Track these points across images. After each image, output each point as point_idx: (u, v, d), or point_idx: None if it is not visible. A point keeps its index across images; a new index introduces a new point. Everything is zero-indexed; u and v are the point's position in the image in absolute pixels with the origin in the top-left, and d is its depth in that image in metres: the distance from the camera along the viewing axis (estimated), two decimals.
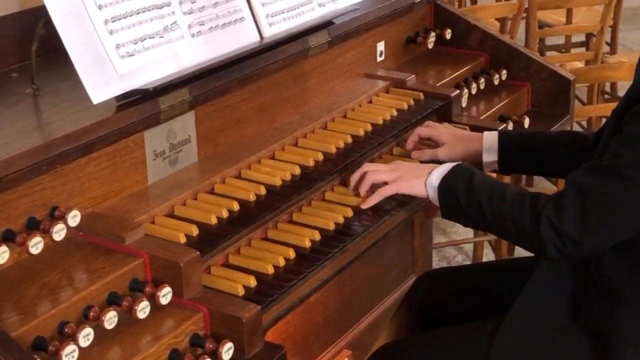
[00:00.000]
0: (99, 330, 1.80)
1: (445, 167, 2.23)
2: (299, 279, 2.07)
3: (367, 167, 2.34)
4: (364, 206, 2.30)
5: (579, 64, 5.10)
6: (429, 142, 2.60)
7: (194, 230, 2.09)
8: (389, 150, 2.63)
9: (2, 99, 2.24)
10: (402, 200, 2.36)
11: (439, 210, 2.26)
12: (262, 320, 1.94)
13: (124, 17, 2.16)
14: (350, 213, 2.30)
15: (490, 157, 2.50)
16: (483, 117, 2.96)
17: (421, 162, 2.48)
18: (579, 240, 2.01)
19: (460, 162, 2.27)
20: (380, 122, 2.66)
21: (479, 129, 2.74)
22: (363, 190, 2.31)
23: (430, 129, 2.60)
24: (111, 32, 2.13)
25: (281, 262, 2.11)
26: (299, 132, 2.56)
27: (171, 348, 1.84)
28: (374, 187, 2.31)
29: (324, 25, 2.69)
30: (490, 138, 2.51)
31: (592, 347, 2.16)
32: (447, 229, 4.79)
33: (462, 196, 2.17)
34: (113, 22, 2.14)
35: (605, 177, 2.01)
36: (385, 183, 2.30)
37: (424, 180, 2.24)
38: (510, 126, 2.84)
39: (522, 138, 2.56)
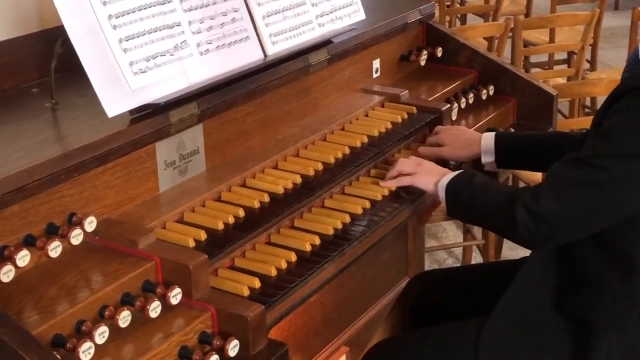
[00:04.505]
0: (114, 329, 1.80)
1: (456, 172, 2.31)
2: (301, 281, 2.07)
3: (401, 160, 2.46)
4: (382, 184, 2.44)
5: (562, 80, 5.11)
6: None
7: (203, 236, 2.09)
8: (385, 161, 2.63)
9: (24, 113, 2.24)
10: (396, 207, 2.37)
11: (431, 217, 2.28)
12: (266, 319, 1.94)
13: (137, 37, 2.16)
14: (348, 219, 2.30)
15: (488, 158, 2.59)
16: (472, 129, 2.95)
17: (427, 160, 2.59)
18: (552, 224, 2.04)
19: (470, 170, 2.34)
20: (376, 134, 2.66)
21: None
22: (389, 175, 2.44)
23: (436, 136, 2.68)
24: (125, 51, 2.13)
25: (284, 265, 2.11)
26: (301, 144, 2.56)
27: (181, 345, 1.84)
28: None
29: (324, 44, 2.69)
30: (487, 142, 2.58)
31: (574, 334, 2.17)
32: (439, 234, 4.79)
33: (462, 193, 2.24)
34: (127, 41, 2.14)
35: (581, 166, 2.03)
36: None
37: (437, 181, 2.32)
38: None
39: (515, 141, 2.60)
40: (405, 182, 2.40)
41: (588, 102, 5.81)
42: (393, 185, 2.42)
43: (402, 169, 2.42)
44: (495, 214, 2.16)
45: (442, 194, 2.29)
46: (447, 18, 6.38)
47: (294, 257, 2.13)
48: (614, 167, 1.98)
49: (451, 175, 2.30)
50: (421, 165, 2.40)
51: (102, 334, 1.76)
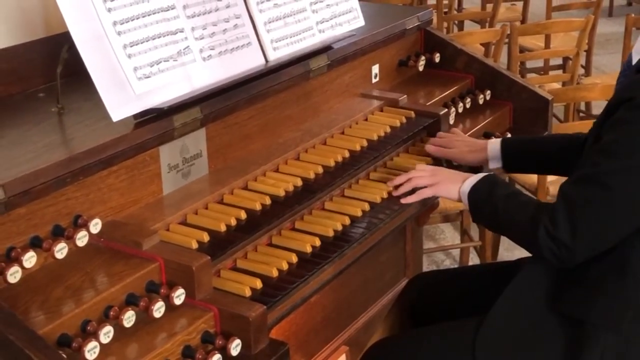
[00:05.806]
0: (118, 328, 1.81)
1: (476, 177, 2.30)
2: (301, 282, 2.07)
3: (413, 173, 2.42)
4: (404, 201, 2.39)
5: (557, 85, 5.11)
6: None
7: (205, 237, 2.09)
8: (383, 164, 2.63)
9: (30, 117, 2.25)
10: (394, 209, 2.38)
11: (429, 218, 2.28)
12: (267, 319, 1.94)
13: (141, 42, 2.17)
14: (347, 221, 2.30)
15: (495, 164, 2.60)
16: (469, 133, 2.96)
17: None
18: (571, 246, 2.05)
19: (489, 174, 2.34)
20: (375, 138, 2.67)
21: None
22: (404, 189, 2.41)
23: (443, 139, 2.68)
24: (129, 56, 2.13)
25: (285, 266, 2.11)
26: (301, 147, 2.56)
27: (184, 344, 1.85)
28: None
29: (324, 49, 2.69)
30: (493, 147, 2.59)
31: (569, 334, 2.16)
32: (436, 235, 4.79)
33: (484, 202, 2.24)
34: (131, 46, 2.14)
35: (586, 185, 2.04)
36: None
37: (458, 187, 2.31)
38: None
39: (521, 145, 2.62)
40: (426, 194, 2.38)
41: (582, 107, 5.82)
42: (414, 200, 2.39)
43: (417, 182, 2.39)
44: (519, 233, 2.17)
45: (465, 200, 2.30)
46: (445, 24, 6.39)
47: (294, 258, 2.14)
48: (616, 183, 1.99)
49: (471, 181, 2.29)
50: (437, 175, 2.39)
51: (106, 333, 1.77)
